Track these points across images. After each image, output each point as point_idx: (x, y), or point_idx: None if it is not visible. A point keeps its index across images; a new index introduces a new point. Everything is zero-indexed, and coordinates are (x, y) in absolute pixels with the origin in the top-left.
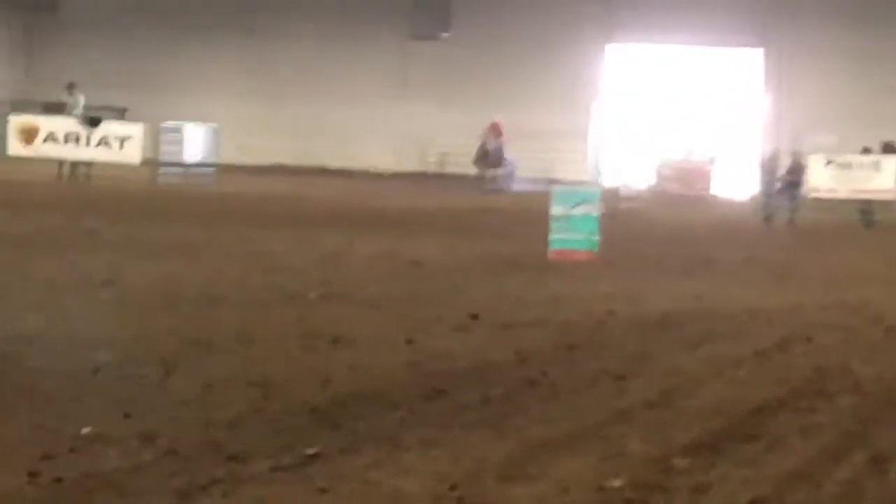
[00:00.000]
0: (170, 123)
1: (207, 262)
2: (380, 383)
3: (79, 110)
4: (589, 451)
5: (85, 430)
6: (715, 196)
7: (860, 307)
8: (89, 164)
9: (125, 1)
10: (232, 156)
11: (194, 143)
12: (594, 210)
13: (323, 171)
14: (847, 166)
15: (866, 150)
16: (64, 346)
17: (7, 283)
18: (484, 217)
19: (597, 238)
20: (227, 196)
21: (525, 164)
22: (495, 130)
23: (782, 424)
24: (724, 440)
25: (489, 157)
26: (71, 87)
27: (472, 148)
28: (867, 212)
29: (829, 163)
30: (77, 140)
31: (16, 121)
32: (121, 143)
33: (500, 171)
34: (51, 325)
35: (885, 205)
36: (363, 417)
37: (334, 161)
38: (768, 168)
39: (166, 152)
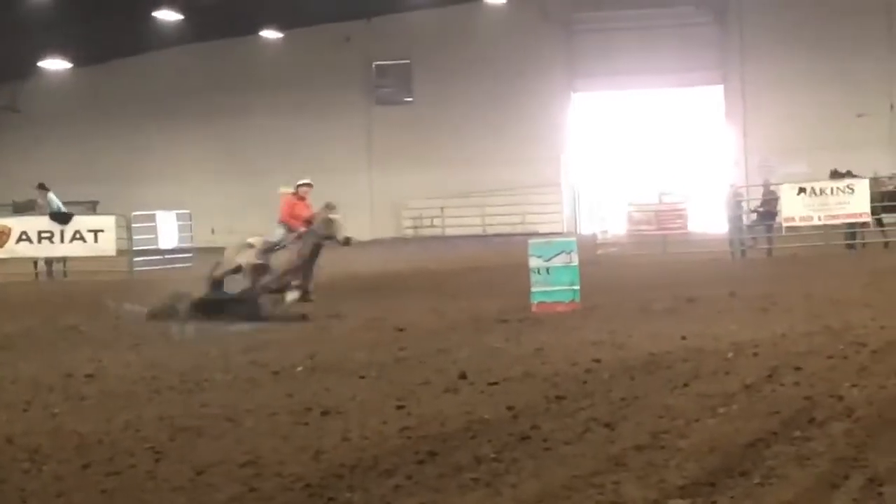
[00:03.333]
0: (142, 212)
1: (190, 346)
2: (373, 451)
3: (54, 208)
4: (585, 501)
5: None
6: (692, 234)
7: (844, 332)
8: (64, 260)
9: (85, 94)
10: (207, 238)
11: (168, 229)
12: (572, 260)
13: None
14: (821, 193)
15: (836, 174)
16: (50, 443)
17: None
18: (464, 276)
19: (577, 287)
20: (203, 279)
21: (499, 219)
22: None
23: (777, 456)
24: (720, 477)
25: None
26: (41, 188)
27: (448, 209)
28: (853, 234)
29: (801, 191)
30: (51, 237)
31: None
32: (95, 236)
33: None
34: (36, 424)
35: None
36: (358, 488)
37: None
38: (733, 203)
39: (141, 241)
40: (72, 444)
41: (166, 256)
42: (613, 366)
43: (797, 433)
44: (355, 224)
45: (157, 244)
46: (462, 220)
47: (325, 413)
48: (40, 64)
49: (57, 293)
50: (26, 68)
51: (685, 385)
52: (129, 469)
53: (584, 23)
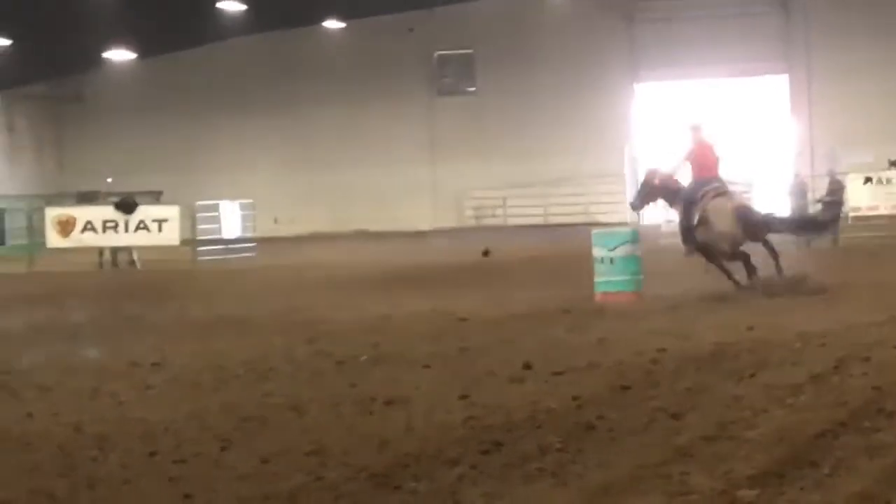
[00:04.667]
0: (206, 202)
1: (254, 336)
2: (437, 441)
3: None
4: (652, 492)
5: None
6: None
7: None
8: (129, 250)
9: (149, 84)
10: (270, 228)
11: (231, 219)
12: (636, 250)
13: (362, 235)
14: (887, 182)
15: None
16: (116, 431)
17: (59, 375)
18: (526, 266)
19: (641, 277)
20: (267, 269)
21: (561, 209)
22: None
23: (846, 447)
24: (788, 468)
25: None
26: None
27: (510, 199)
28: None
29: (867, 180)
30: (115, 227)
31: (52, 213)
32: (159, 226)
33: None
34: (103, 412)
35: None
36: (423, 477)
37: (372, 224)
38: (797, 193)
39: (204, 231)
40: (138, 432)
41: (229, 246)
42: (679, 356)
43: (866, 424)
44: (418, 214)
45: (220, 234)
46: (524, 210)
47: (389, 403)
48: (105, 55)
49: (120, 281)
50: (92, 60)
51: (752, 375)
52: (195, 457)
53: (646, 12)
